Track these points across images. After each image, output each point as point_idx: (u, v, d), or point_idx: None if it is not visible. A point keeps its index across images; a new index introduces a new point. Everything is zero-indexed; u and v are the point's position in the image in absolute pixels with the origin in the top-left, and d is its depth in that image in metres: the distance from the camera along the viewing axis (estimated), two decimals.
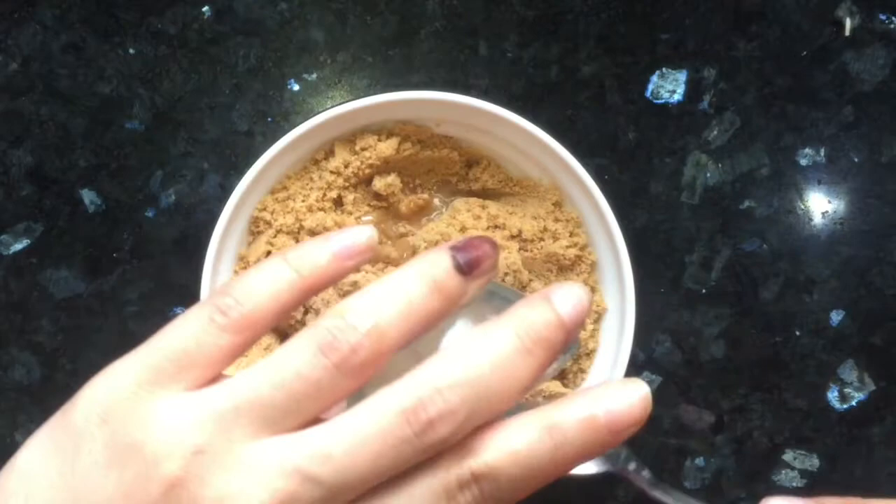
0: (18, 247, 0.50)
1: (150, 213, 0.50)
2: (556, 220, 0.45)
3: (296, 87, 0.51)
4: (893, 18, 0.51)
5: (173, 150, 0.50)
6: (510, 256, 0.44)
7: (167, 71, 0.51)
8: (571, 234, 0.45)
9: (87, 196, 0.50)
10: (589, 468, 0.45)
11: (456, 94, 0.42)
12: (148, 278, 0.50)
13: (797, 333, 0.51)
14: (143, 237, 0.50)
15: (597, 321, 0.45)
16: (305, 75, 0.51)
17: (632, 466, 0.45)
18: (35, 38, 0.51)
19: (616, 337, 0.44)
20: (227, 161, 0.51)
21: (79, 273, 0.50)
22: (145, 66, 0.51)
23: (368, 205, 0.46)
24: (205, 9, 0.51)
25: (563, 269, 0.46)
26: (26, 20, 0.51)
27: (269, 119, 0.51)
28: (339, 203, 0.45)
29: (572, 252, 0.45)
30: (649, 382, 0.51)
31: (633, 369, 0.51)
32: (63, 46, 0.51)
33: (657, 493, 0.44)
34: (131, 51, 0.51)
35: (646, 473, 0.45)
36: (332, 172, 0.44)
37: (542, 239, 0.45)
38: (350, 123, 0.43)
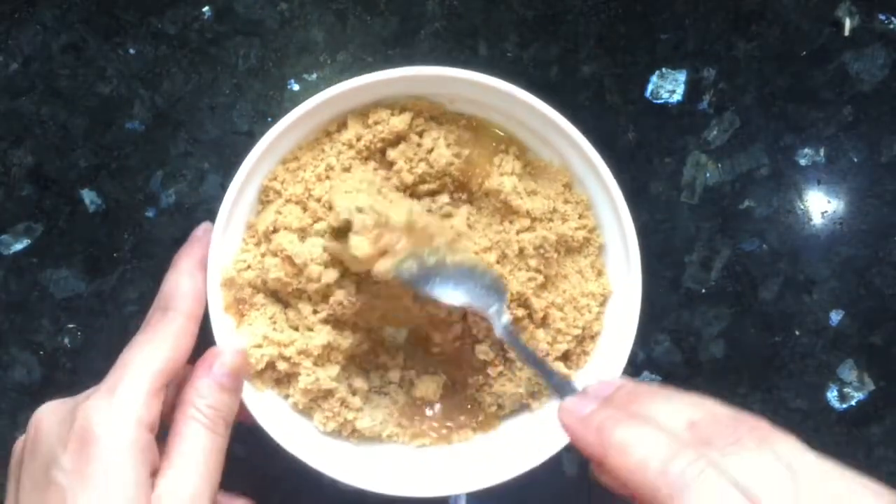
0: (18, 247, 0.50)
1: (150, 213, 0.50)
2: (566, 201, 0.45)
3: (296, 87, 0.51)
4: (893, 18, 0.51)
5: (173, 150, 0.50)
6: (536, 234, 0.44)
7: (167, 71, 0.51)
8: (580, 217, 0.45)
9: (87, 196, 0.50)
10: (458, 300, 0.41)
11: (470, 71, 0.42)
12: (148, 278, 0.50)
13: (797, 333, 0.51)
14: (143, 237, 0.50)
15: (602, 304, 0.45)
16: (305, 75, 0.51)
17: (493, 309, 0.42)
18: (35, 38, 0.51)
19: (620, 320, 0.44)
20: (227, 161, 0.51)
21: (79, 273, 0.50)
22: (145, 66, 0.51)
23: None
24: (205, 9, 0.51)
25: (570, 250, 0.45)
26: (26, 20, 0.51)
27: (269, 119, 0.51)
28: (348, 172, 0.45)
29: (581, 234, 0.44)
30: (649, 382, 0.51)
31: (633, 369, 0.51)
32: (63, 46, 0.51)
33: (509, 340, 0.41)
34: (131, 51, 0.51)
35: (506, 319, 0.41)
36: (343, 144, 0.44)
37: (550, 220, 0.45)
38: (364, 97, 0.43)
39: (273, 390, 0.44)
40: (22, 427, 0.50)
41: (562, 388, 0.38)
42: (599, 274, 0.45)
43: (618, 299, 0.45)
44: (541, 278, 0.45)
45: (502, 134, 0.46)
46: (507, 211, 0.45)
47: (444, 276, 0.41)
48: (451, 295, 0.41)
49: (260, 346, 0.42)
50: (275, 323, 0.43)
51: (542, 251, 0.44)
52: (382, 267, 0.40)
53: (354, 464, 0.43)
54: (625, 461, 0.29)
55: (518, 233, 0.44)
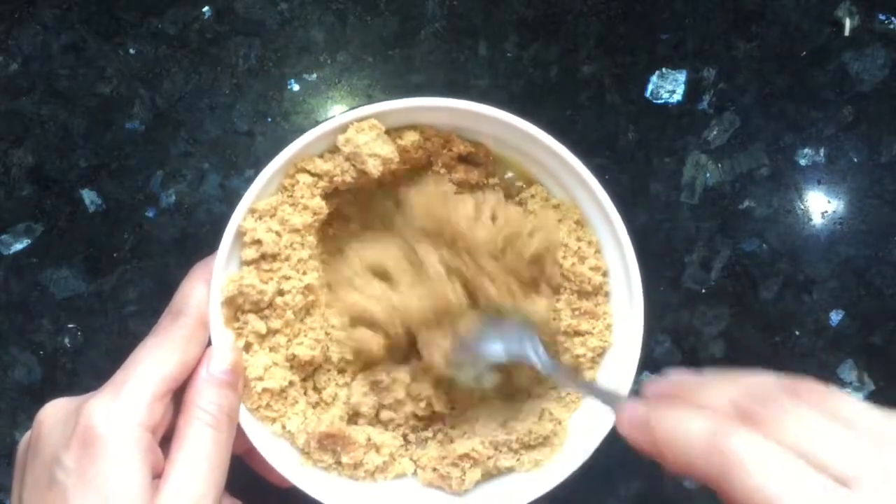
0: (19, 247, 0.50)
1: (150, 213, 0.50)
2: (579, 238, 0.44)
3: (296, 87, 0.51)
4: (893, 18, 0.51)
5: (173, 150, 0.50)
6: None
7: (167, 71, 0.51)
8: (594, 256, 0.44)
9: (87, 196, 0.50)
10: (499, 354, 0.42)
11: (482, 105, 0.41)
12: (148, 278, 0.50)
13: (797, 333, 0.51)
14: (143, 237, 0.50)
15: (601, 355, 0.44)
16: (305, 75, 0.51)
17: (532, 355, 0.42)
18: (35, 38, 0.51)
19: (617, 373, 0.43)
20: (227, 161, 0.51)
21: (79, 273, 0.50)
22: (145, 66, 0.51)
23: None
24: (205, 9, 0.51)
25: (582, 294, 0.44)
26: (26, 20, 0.51)
27: (269, 119, 0.51)
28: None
29: (598, 278, 0.43)
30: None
31: None
32: (63, 46, 0.51)
33: (555, 374, 0.41)
34: (131, 51, 0.51)
35: (544, 356, 0.41)
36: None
37: (564, 257, 0.44)
38: (405, 118, 0.42)
39: (273, 425, 0.43)
40: (22, 427, 0.50)
41: (612, 400, 0.38)
42: (603, 323, 0.44)
43: (618, 350, 0.43)
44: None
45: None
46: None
47: (480, 338, 0.42)
48: (494, 351, 0.42)
49: (261, 378, 0.42)
50: (275, 358, 0.43)
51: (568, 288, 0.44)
52: (438, 362, 0.41)
53: (349, 492, 0.43)
54: (674, 451, 0.30)
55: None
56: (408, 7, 0.51)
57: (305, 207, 0.41)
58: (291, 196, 0.41)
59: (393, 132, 0.42)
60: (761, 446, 0.27)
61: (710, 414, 0.29)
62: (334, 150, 0.42)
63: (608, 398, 0.38)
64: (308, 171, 0.41)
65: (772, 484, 0.26)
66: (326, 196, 0.42)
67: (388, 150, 0.42)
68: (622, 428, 0.33)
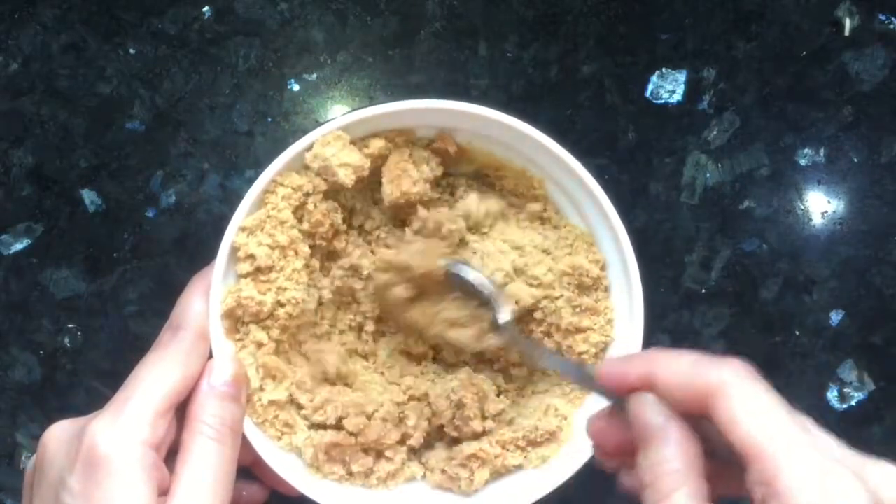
0: (19, 247, 0.50)
1: (150, 213, 0.50)
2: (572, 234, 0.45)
3: (296, 87, 0.51)
4: (893, 18, 0.51)
5: (173, 150, 0.50)
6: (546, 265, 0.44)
7: (167, 71, 0.51)
8: (588, 250, 0.44)
9: (87, 196, 0.50)
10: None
11: (439, 100, 0.42)
12: (148, 278, 0.50)
13: (797, 333, 0.51)
14: (143, 237, 0.50)
15: (602, 350, 0.44)
16: (305, 75, 0.51)
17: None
18: (35, 38, 0.51)
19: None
20: (227, 161, 0.51)
21: (79, 273, 0.50)
22: (145, 66, 0.51)
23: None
24: (205, 9, 0.51)
25: (582, 288, 0.44)
26: (26, 20, 0.51)
27: (269, 119, 0.51)
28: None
29: (595, 270, 0.43)
30: None
31: None
32: (63, 46, 0.51)
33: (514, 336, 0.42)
34: (131, 51, 0.51)
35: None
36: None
37: (556, 248, 0.44)
38: (363, 128, 0.42)
39: (278, 441, 0.43)
40: (22, 427, 0.50)
41: (580, 373, 0.40)
42: (605, 318, 0.44)
43: (619, 345, 0.44)
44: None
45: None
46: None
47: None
48: (481, 282, 0.42)
49: (263, 389, 0.42)
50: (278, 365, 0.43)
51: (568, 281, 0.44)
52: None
53: (360, 499, 0.43)
54: (677, 364, 0.32)
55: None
56: (408, 7, 0.51)
57: (292, 226, 0.41)
58: (274, 214, 0.41)
59: (358, 142, 0.42)
60: (758, 388, 0.32)
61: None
62: (307, 166, 0.42)
63: (578, 371, 0.40)
64: (285, 185, 0.41)
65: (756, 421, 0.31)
66: (312, 209, 0.42)
67: (356, 157, 0.41)
68: (608, 363, 0.35)
